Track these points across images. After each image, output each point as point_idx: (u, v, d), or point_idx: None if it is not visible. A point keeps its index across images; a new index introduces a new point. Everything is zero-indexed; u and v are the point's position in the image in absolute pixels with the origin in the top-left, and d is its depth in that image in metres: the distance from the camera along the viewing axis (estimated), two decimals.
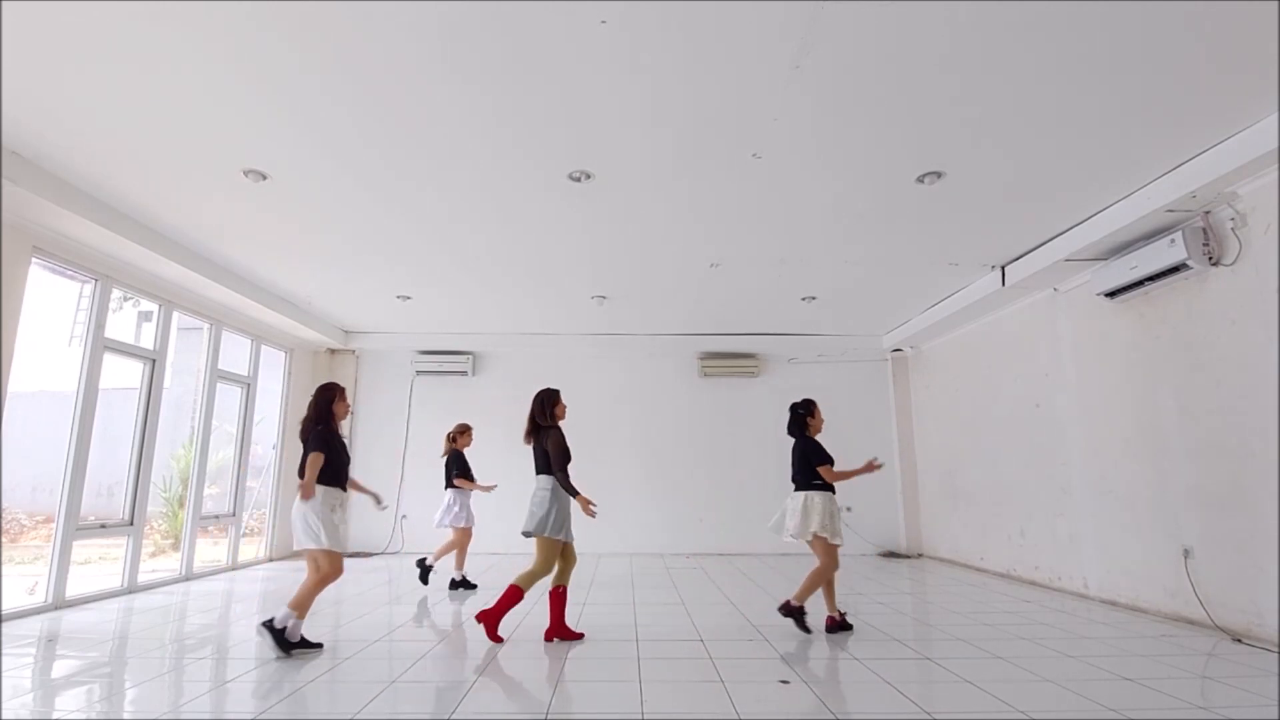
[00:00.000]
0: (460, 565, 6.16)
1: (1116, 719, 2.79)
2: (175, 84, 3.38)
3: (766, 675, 3.41)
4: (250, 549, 7.95)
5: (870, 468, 4.44)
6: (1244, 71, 3.21)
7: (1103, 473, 5.43)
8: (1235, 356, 4.26)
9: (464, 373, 9.20)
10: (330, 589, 6.03)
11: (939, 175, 4.31)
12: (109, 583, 5.76)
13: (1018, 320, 6.69)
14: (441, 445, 6.67)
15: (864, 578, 6.78)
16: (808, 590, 4.35)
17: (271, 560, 8.03)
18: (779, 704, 2.98)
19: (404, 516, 8.92)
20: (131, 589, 5.79)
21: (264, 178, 4.38)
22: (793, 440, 4.64)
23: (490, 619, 4.14)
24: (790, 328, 8.58)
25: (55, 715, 2.85)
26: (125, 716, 2.89)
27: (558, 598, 4.23)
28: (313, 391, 4.24)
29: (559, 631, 4.21)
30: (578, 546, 8.75)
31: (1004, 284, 6.11)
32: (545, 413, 4.35)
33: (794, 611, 4.34)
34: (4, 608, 4.68)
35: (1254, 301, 4.12)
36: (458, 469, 6.25)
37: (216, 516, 7.27)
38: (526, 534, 4.18)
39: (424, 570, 6.14)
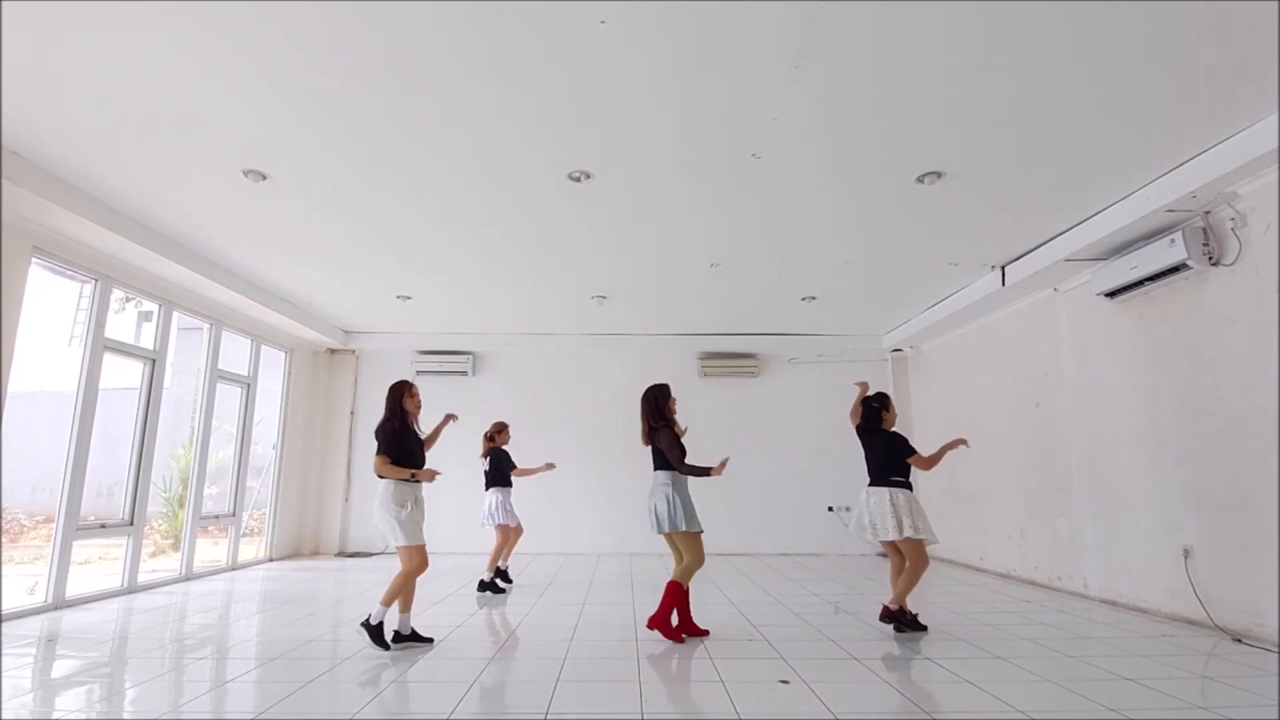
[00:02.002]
0: (493, 566, 6.03)
1: (1116, 719, 2.79)
2: (175, 84, 3.38)
3: (766, 675, 3.41)
4: (250, 549, 7.95)
5: (958, 443, 4.47)
6: (1244, 71, 3.21)
7: (1103, 473, 5.43)
8: (1235, 356, 4.26)
9: (464, 373, 9.19)
10: (331, 589, 6.05)
11: (939, 175, 4.31)
12: (109, 583, 5.76)
13: (1018, 320, 6.69)
14: (480, 445, 6.51)
15: (864, 577, 6.78)
16: (904, 592, 4.27)
17: (271, 560, 8.03)
18: (779, 704, 2.98)
19: None
20: (131, 589, 5.79)
21: (264, 177, 4.38)
22: (870, 435, 4.54)
23: (659, 623, 4.13)
24: (790, 328, 8.58)
25: (55, 715, 2.85)
26: (125, 716, 2.89)
27: (679, 593, 4.20)
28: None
29: (686, 626, 4.19)
30: (575, 545, 8.83)
31: (1004, 284, 6.11)
32: (658, 410, 4.37)
33: (897, 616, 4.27)
34: (4, 608, 4.68)
35: (1254, 301, 4.12)
36: (508, 465, 6.24)
37: (216, 516, 7.27)
38: (662, 533, 4.20)
39: (492, 582, 5.95)
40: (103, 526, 5.68)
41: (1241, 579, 4.17)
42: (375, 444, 3.99)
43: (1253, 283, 4.13)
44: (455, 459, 8.29)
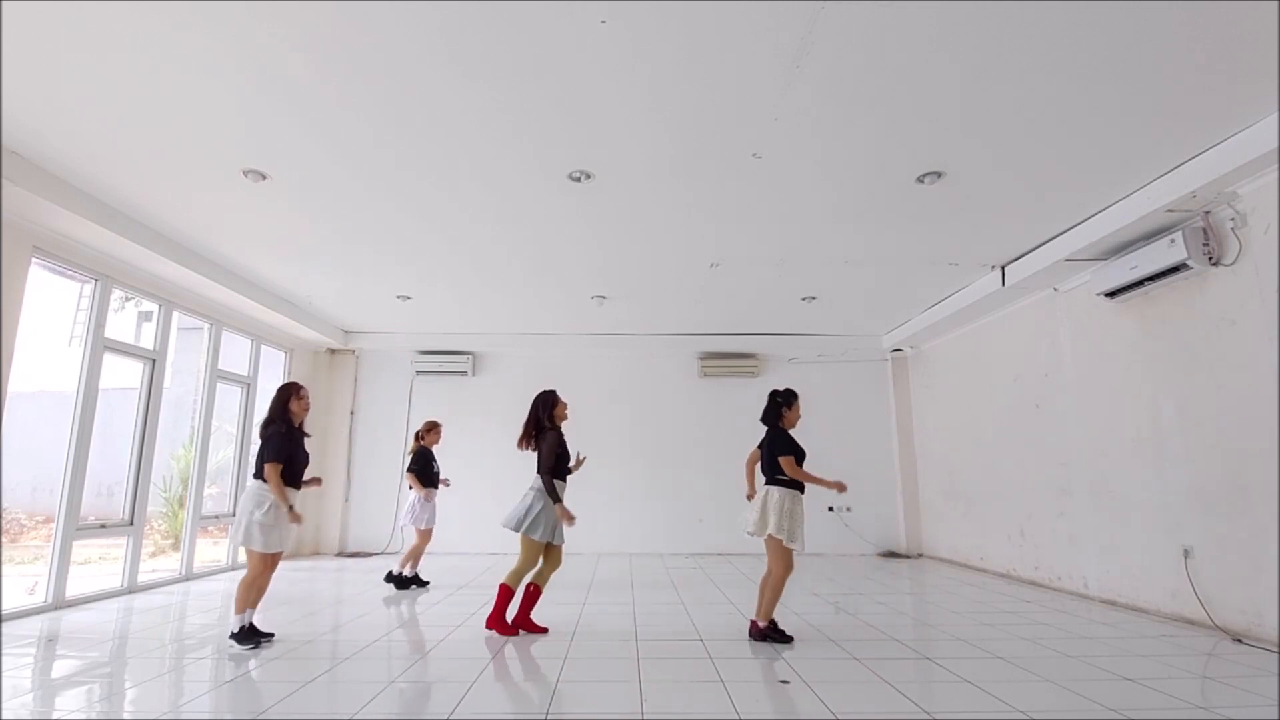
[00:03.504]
0: (406, 563, 6.00)
1: (1116, 719, 2.79)
2: (175, 84, 3.38)
3: (766, 675, 3.41)
4: None
5: (838, 486, 4.10)
6: (1244, 71, 3.21)
7: (1103, 473, 5.43)
8: (1235, 356, 4.26)
9: (464, 373, 9.19)
10: (331, 589, 6.05)
11: (939, 175, 4.31)
12: (109, 583, 5.76)
13: (1018, 320, 6.69)
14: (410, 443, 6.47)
15: (864, 577, 6.78)
16: (770, 603, 4.08)
17: None
18: (779, 704, 2.98)
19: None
20: (131, 589, 5.78)
21: (264, 177, 4.38)
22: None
23: (494, 622, 4.28)
24: (790, 328, 8.58)
25: (55, 715, 2.85)
26: (125, 716, 2.88)
27: (530, 593, 4.36)
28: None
29: (523, 623, 4.31)
30: (576, 545, 8.82)
31: (1004, 284, 6.11)
32: (543, 415, 4.44)
33: (766, 633, 4.05)
34: (4, 608, 4.68)
35: (1254, 301, 4.12)
36: (418, 467, 6.14)
37: (216, 516, 7.27)
38: (505, 527, 4.28)
39: (398, 581, 5.97)
40: (103, 526, 5.68)
41: (1241, 579, 4.17)
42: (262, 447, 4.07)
43: (1253, 283, 4.13)
44: (459, 459, 8.32)
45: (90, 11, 2.85)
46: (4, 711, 2.86)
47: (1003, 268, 6.10)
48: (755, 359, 9.25)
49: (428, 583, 6.17)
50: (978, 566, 7.33)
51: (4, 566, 5.01)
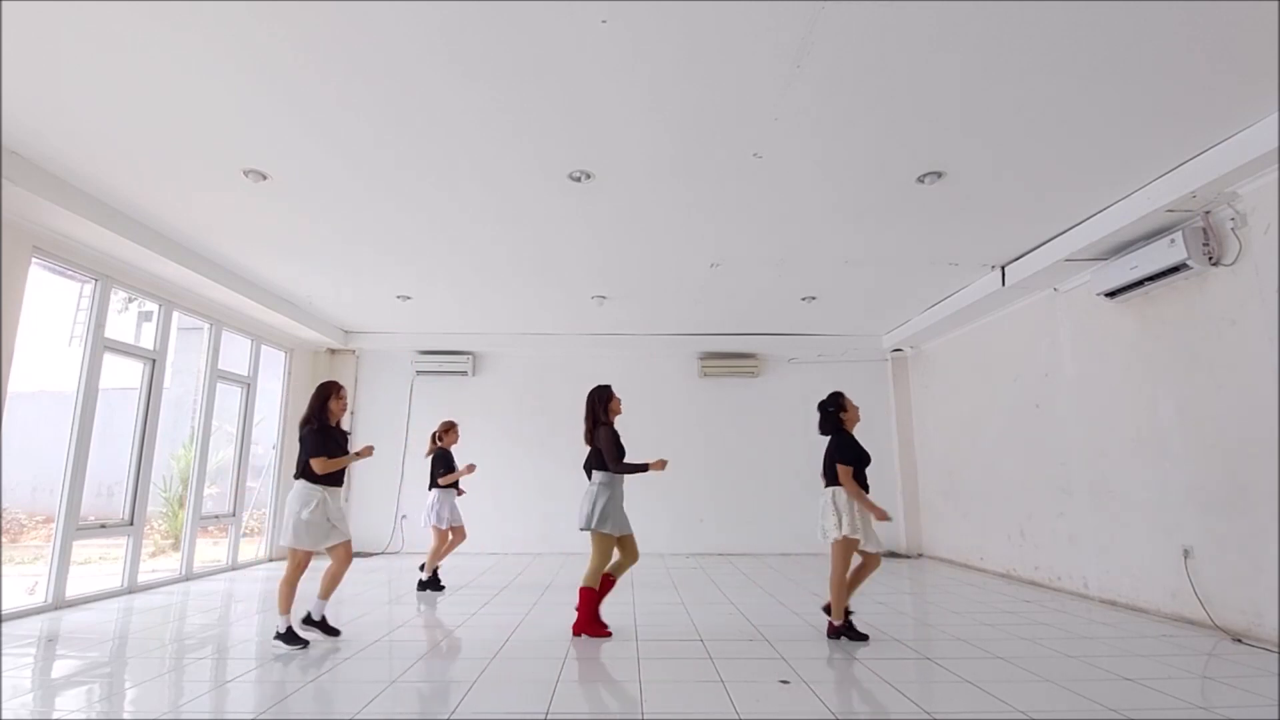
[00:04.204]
0: (429, 567, 5.98)
1: (1116, 719, 2.79)
2: (175, 83, 3.38)
3: (766, 675, 3.40)
4: (250, 549, 7.95)
5: (880, 514, 4.06)
6: (1244, 71, 3.21)
7: (1103, 473, 5.43)
8: (1235, 356, 4.26)
9: (464, 373, 9.20)
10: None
11: (939, 175, 4.31)
12: (109, 583, 5.76)
13: (1018, 320, 6.69)
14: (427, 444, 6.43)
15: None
16: (841, 600, 4.13)
17: (272, 560, 8.03)
18: (779, 704, 2.98)
19: (404, 516, 8.92)
20: (131, 589, 5.78)
21: (264, 177, 4.38)
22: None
23: (582, 626, 4.24)
24: (790, 328, 8.58)
25: (55, 715, 2.85)
26: (125, 716, 2.88)
27: (603, 582, 4.33)
28: (313, 391, 4.34)
29: (587, 627, 4.25)
30: (577, 545, 8.82)
31: (1004, 284, 6.11)
32: (600, 409, 4.46)
33: (840, 630, 4.11)
34: (4, 608, 4.68)
35: (1254, 301, 4.12)
36: (443, 468, 6.13)
37: (216, 516, 7.27)
38: (580, 529, 4.34)
39: (425, 585, 5.96)
40: (103, 526, 5.68)
41: (1241, 579, 4.17)
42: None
43: (1253, 283, 4.13)
44: (459, 459, 8.31)
45: (90, 11, 2.85)
46: (4, 711, 2.86)
47: (1003, 268, 6.10)
48: (755, 359, 9.25)
49: (443, 587, 6.04)
50: (978, 566, 7.33)
51: (4, 566, 5.02)
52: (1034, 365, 6.39)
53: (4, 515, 5.72)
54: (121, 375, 5.97)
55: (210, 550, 7.40)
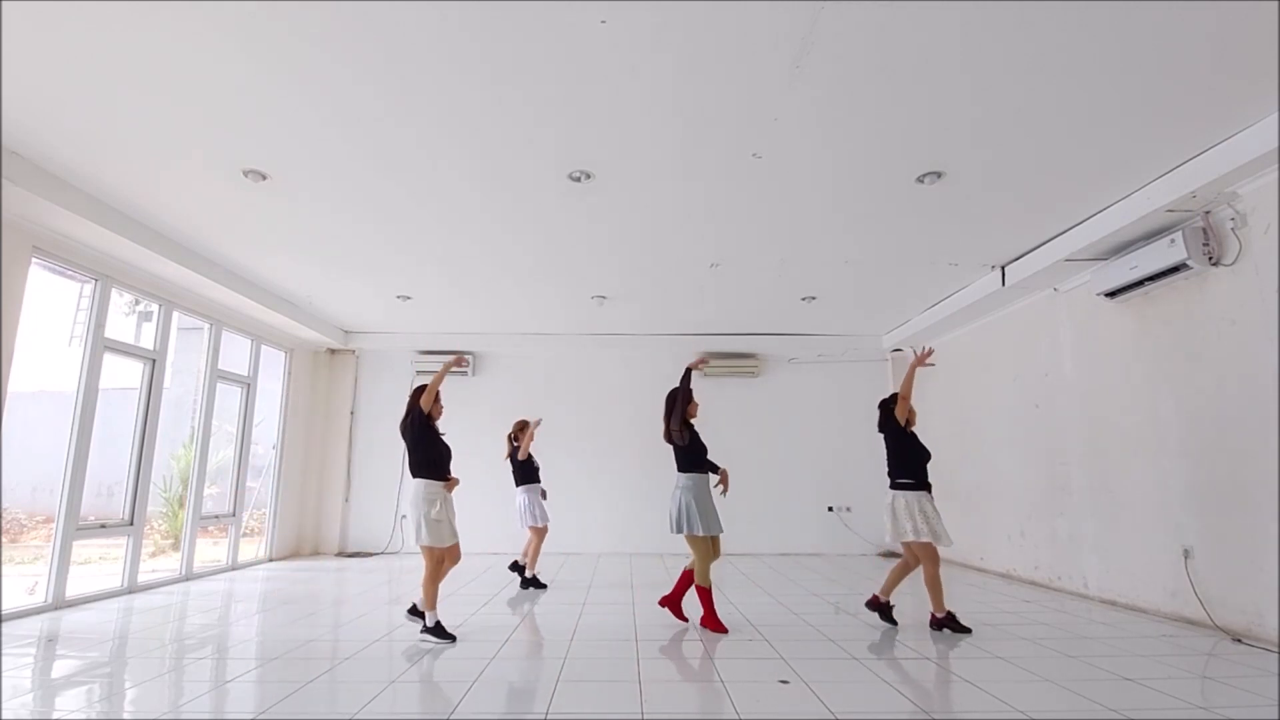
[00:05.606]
0: (532, 565, 6.16)
1: (1116, 719, 2.79)
2: (176, 83, 3.38)
3: (766, 675, 3.40)
4: (250, 549, 7.95)
5: (921, 360, 4.46)
6: (1244, 71, 3.21)
7: (1103, 473, 5.43)
8: (1235, 356, 4.26)
9: (464, 373, 9.19)
10: (331, 589, 6.05)
11: (939, 175, 4.31)
12: (109, 583, 5.76)
13: (1018, 320, 6.69)
14: (504, 445, 6.57)
15: (864, 577, 6.78)
16: (937, 596, 4.34)
17: (272, 560, 8.03)
18: (779, 704, 2.98)
19: (403, 517, 8.91)
20: (131, 589, 5.78)
21: (264, 178, 4.38)
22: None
23: (706, 621, 4.39)
24: (790, 328, 8.58)
25: (55, 715, 2.85)
26: (125, 716, 2.89)
27: (686, 575, 4.52)
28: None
29: (673, 603, 4.56)
30: (577, 545, 8.83)
31: (1004, 284, 6.11)
32: (677, 412, 4.58)
33: (944, 623, 4.35)
34: (4, 608, 4.68)
35: (1254, 301, 4.12)
36: (522, 468, 6.29)
37: (216, 516, 7.27)
38: (673, 533, 4.52)
39: (526, 580, 6.11)
40: (103, 526, 5.68)
41: (1241, 579, 4.17)
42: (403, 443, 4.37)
43: (1253, 283, 4.13)
44: (459, 459, 8.30)
45: (90, 11, 2.85)
46: (4, 711, 2.86)
47: (1003, 268, 6.10)
48: (755, 359, 9.24)
49: (545, 585, 6.20)
50: (978, 566, 7.33)
51: (4, 566, 5.01)
52: (1034, 365, 6.39)
53: (4, 515, 5.72)
54: (121, 375, 5.97)
55: (210, 550, 7.40)
